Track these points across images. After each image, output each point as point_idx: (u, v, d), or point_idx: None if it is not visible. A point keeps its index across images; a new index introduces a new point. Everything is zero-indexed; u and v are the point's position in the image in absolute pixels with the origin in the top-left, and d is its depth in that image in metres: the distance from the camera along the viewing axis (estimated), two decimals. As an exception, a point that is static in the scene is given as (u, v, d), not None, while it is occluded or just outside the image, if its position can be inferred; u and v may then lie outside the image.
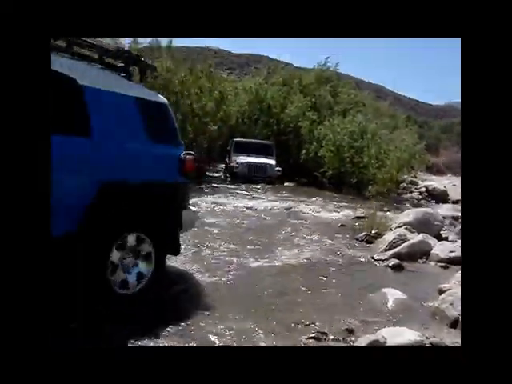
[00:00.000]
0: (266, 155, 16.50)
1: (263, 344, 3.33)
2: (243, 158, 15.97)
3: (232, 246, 6.21)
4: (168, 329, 3.45)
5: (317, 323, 3.73)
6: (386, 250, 6.41)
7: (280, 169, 16.09)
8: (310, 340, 3.44)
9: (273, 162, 16.33)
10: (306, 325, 3.70)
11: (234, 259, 5.52)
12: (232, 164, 16.22)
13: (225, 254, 5.79)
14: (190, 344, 3.27)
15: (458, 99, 2.68)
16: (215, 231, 7.14)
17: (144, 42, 14.16)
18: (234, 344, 3.32)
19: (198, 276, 4.78)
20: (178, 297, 4.18)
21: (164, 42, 15.28)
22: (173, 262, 4.91)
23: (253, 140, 17.56)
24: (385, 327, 3.62)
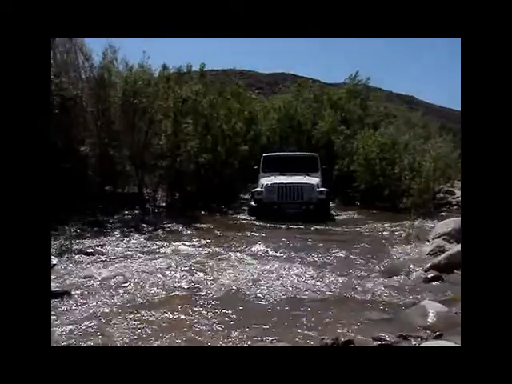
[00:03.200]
0: (307, 172, 12.36)
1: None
2: (270, 179, 11.95)
3: None
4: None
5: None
6: (424, 262, 6.29)
7: (325, 190, 11.67)
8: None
9: (314, 181, 11.91)
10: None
11: None
12: (254, 190, 12.17)
13: None
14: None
15: None
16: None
17: (173, 67, 14.39)
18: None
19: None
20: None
21: (195, 66, 15.57)
22: None
23: (287, 153, 13.70)
24: (425, 341, 3.53)
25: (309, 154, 13.64)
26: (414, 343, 3.55)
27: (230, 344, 3.57)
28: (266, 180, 12.01)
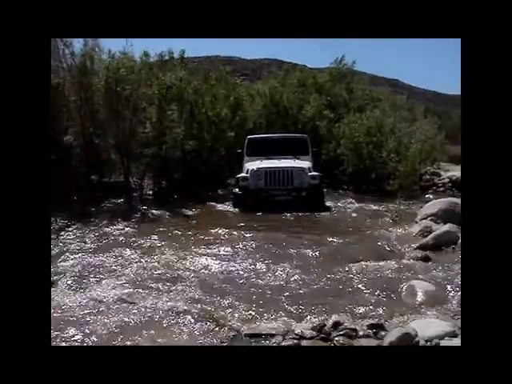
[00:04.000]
0: (296, 155, 11.07)
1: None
2: (256, 164, 10.65)
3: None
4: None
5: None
6: (412, 242, 6.36)
7: (318, 174, 10.41)
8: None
9: (305, 164, 10.67)
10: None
11: None
12: (238, 176, 10.84)
13: None
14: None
15: None
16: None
17: (155, 54, 14.20)
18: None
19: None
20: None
21: (176, 53, 15.39)
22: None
23: (274, 135, 12.56)
24: (414, 319, 3.55)
25: (298, 135, 12.52)
26: (402, 319, 3.59)
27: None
28: (252, 165, 10.68)
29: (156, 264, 5.56)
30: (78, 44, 10.85)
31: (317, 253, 6.04)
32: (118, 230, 7.99)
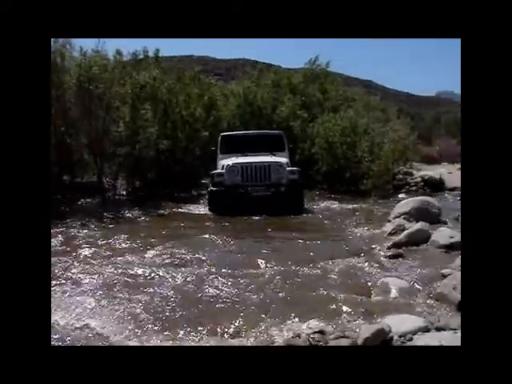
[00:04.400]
0: (272, 152, 10.80)
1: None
2: (231, 160, 10.22)
3: None
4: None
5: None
6: (385, 241, 6.41)
7: (296, 169, 10.14)
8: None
9: (283, 159, 10.41)
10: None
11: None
12: (213, 172, 10.38)
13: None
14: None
15: (447, 88, 2.68)
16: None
17: (128, 53, 14.06)
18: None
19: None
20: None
21: (150, 52, 15.26)
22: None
23: (249, 131, 12.48)
24: (388, 316, 3.57)
25: (273, 131, 12.34)
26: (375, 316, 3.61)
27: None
28: (227, 161, 10.20)
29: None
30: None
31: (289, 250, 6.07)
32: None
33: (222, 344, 3.28)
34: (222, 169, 10.06)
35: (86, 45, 11.39)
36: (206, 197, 10.59)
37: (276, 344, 3.19)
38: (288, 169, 9.98)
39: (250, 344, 3.25)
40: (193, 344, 3.31)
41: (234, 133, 12.15)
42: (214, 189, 9.89)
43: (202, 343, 3.30)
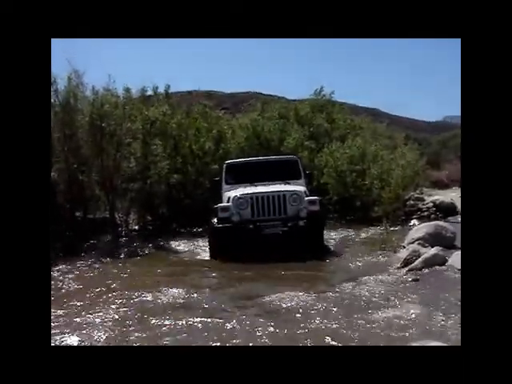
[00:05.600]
0: (286, 180, 9.14)
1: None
2: (240, 191, 8.65)
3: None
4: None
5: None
6: (401, 268, 6.38)
7: (317, 198, 8.56)
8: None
9: (301, 187, 8.83)
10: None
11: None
12: (217, 206, 8.64)
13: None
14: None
15: (454, 113, 2.69)
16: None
17: (136, 90, 14.27)
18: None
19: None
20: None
21: (160, 88, 15.54)
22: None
23: (257, 158, 10.73)
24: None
25: (286, 156, 10.59)
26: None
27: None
28: (233, 193, 8.62)
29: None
30: (61, 81, 10.89)
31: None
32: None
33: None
34: (228, 201, 8.49)
35: (97, 83, 11.62)
36: (208, 235, 8.85)
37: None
38: (307, 199, 8.37)
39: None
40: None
41: (241, 160, 10.47)
42: (219, 226, 8.19)
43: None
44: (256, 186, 8.94)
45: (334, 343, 3.60)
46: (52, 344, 2.86)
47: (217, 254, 8.18)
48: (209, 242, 8.68)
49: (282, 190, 8.46)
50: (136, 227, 12.86)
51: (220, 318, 4.48)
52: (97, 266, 8.04)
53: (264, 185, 8.91)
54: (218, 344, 3.64)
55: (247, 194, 8.39)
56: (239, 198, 8.32)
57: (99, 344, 3.83)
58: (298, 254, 7.31)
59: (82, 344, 3.83)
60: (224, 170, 9.78)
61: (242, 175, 9.41)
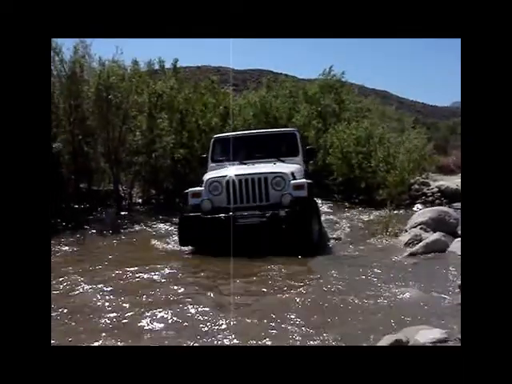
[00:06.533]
0: (281, 157, 8.00)
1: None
2: (218, 172, 7.51)
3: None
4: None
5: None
6: (401, 251, 6.38)
7: (306, 182, 7.00)
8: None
9: (287, 168, 7.29)
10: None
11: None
12: (190, 190, 7.31)
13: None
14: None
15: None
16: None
17: (144, 63, 14.14)
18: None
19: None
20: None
21: (167, 62, 15.39)
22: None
23: (248, 131, 9.75)
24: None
25: (284, 129, 9.48)
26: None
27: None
28: (212, 174, 7.48)
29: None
30: (67, 51, 10.81)
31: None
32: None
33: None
34: (199, 188, 7.24)
35: (104, 54, 11.53)
36: (177, 225, 7.54)
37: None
38: (292, 182, 6.87)
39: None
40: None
41: (230, 134, 8.97)
42: (187, 215, 7.00)
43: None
44: (246, 164, 7.81)
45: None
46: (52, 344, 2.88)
47: (185, 245, 7.19)
48: (178, 232, 7.26)
49: (263, 171, 7.07)
50: (139, 200, 12.88)
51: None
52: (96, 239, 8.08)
53: (252, 164, 7.76)
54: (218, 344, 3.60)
55: (222, 176, 7.13)
56: (212, 181, 7.09)
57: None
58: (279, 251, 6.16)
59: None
60: (211, 145, 8.58)
61: (231, 152, 8.09)
